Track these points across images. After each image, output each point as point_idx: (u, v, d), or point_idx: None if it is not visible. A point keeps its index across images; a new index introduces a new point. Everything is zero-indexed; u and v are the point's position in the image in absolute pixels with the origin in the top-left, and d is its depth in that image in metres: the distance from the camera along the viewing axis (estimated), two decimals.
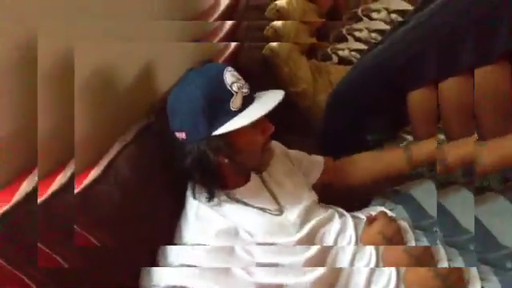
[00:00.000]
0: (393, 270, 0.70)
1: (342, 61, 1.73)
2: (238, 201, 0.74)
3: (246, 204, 0.74)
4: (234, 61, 1.39)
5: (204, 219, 0.71)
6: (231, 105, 0.68)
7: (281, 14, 1.33)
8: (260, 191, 0.78)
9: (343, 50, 1.77)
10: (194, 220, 0.71)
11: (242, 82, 0.71)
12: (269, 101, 0.70)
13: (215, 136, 0.68)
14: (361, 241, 0.76)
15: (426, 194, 0.87)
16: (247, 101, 0.70)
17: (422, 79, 0.99)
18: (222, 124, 0.68)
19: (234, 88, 0.69)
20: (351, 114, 1.20)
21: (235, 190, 0.75)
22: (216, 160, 0.69)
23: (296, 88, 1.52)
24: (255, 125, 0.69)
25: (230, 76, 0.69)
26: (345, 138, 1.22)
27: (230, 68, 0.71)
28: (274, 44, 1.47)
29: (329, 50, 1.82)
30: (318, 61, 1.77)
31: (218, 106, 0.68)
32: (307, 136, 1.41)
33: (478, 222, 0.73)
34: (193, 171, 0.71)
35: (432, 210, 0.83)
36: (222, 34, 1.24)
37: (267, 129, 0.72)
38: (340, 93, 1.26)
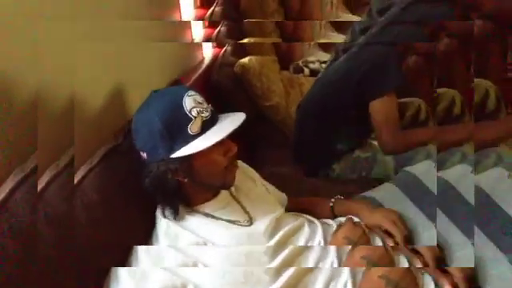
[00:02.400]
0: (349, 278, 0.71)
1: (313, 73, 1.79)
2: (206, 215, 0.76)
3: (214, 217, 0.76)
4: (207, 78, 1.43)
5: (172, 235, 0.72)
6: (189, 129, 0.69)
7: (244, 69, 1.50)
8: (229, 204, 0.80)
9: (314, 62, 1.84)
10: (163, 237, 0.72)
11: (204, 105, 0.72)
12: (229, 124, 0.71)
13: (174, 158, 0.69)
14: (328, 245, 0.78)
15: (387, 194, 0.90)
16: (207, 124, 0.71)
17: (374, 93, 1.09)
18: (180, 147, 0.69)
19: (193, 113, 0.69)
20: (319, 125, 1.24)
21: (203, 205, 0.77)
22: (175, 180, 0.71)
23: (269, 102, 1.56)
24: (216, 146, 0.69)
25: (189, 101, 0.70)
26: (315, 148, 1.26)
27: (191, 92, 0.72)
28: (245, 60, 1.51)
29: (300, 62, 1.89)
30: (290, 73, 1.83)
31: (176, 129, 0.69)
32: (283, 148, 1.44)
33: None
34: (154, 190, 0.72)
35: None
36: (200, 71, 1.38)
37: (229, 149, 0.73)
38: (306, 105, 1.31)
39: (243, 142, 1.43)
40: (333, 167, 1.25)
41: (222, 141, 0.70)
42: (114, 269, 0.67)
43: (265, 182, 0.94)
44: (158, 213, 0.75)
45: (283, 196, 0.97)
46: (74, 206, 0.63)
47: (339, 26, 1.94)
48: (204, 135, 0.70)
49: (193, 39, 1.49)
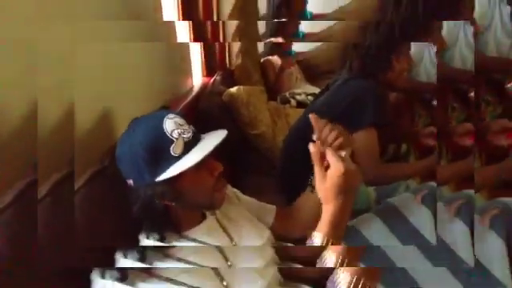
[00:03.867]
0: None
1: (300, 104, 1.85)
2: (194, 240, 0.76)
3: (198, 241, 0.75)
4: (195, 106, 1.46)
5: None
6: (172, 151, 0.69)
7: (232, 97, 1.58)
8: (214, 229, 0.80)
9: (300, 94, 1.90)
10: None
11: (185, 126, 0.72)
12: (210, 142, 0.71)
13: (160, 181, 0.69)
14: None
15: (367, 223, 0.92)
16: (190, 145, 0.71)
17: (354, 126, 1.12)
18: (165, 170, 0.69)
19: (175, 135, 0.70)
20: (304, 155, 1.26)
21: (190, 231, 0.77)
22: (162, 204, 0.71)
23: (256, 130, 1.60)
24: (201, 166, 0.70)
25: (170, 123, 0.71)
26: (300, 177, 1.28)
27: (171, 115, 0.72)
28: (234, 89, 1.56)
29: (287, 94, 1.95)
30: (278, 104, 1.88)
31: (159, 153, 0.69)
32: (269, 176, 1.46)
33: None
34: (142, 217, 0.72)
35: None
36: (188, 99, 1.43)
37: (215, 169, 0.74)
38: (293, 135, 1.34)
39: (229, 169, 1.45)
40: None
41: (206, 160, 0.70)
42: None
43: (245, 198, 0.95)
44: (142, 237, 0.75)
45: (270, 208, 0.97)
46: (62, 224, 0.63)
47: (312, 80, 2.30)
48: (187, 155, 0.70)
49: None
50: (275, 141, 1.59)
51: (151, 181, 0.70)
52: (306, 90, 1.94)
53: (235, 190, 0.95)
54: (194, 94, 1.49)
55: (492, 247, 0.73)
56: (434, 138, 1.30)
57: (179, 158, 0.70)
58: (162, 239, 0.72)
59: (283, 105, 1.90)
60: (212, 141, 0.72)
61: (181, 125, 0.72)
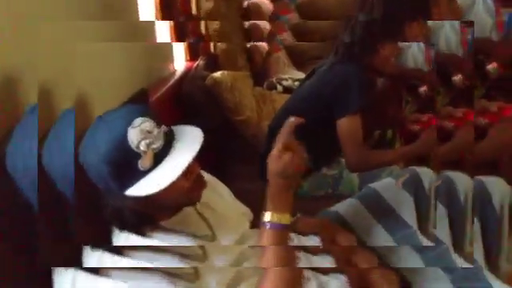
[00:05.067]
0: None
1: (286, 90, 1.82)
2: (169, 230, 0.72)
3: (177, 232, 0.72)
4: (177, 90, 1.42)
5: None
6: (140, 166, 0.62)
7: (216, 82, 1.51)
8: (192, 219, 0.76)
9: (287, 80, 1.87)
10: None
11: (154, 133, 0.63)
12: (185, 153, 0.64)
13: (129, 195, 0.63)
14: None
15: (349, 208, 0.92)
16: (161, 156, 0.63)
17: (339, 111, 1.12)
18: (132, 185, 0.63)
19: (142, 147, 0.62)
20: None
21: (166, 222, 0.73)
22: (134, 212, 0.66)
23: (241, 116, 1.57)
24: None
25: (135, 134, 0.61)
26: None
27: (137, 122, 0.62)
28: (217, 74, 1.52)
29: (274, 79, 1.92)
30: (264, 90, 1.85)
31: (125, 169, 0.62)
32: (253, 164, 1.44)
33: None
34: (112, 220, 0.68)
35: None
36: (171, 82, 1.35)
37: (191, 172, 0.66)
38: (278, 121, 1.31)
39: (213, 156, 1.43)
40: (301, 185, 1.25)
41: None
42: None
43: (231, 196, 0.92)
44: (115, 227, 0.71)
45: (248, 211, 0.96)
46: None
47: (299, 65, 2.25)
48: (157, 170, 0.63)
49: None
50: (260, 127, 1.56)
51: (120, 193, 0.63)
52: (292, 76, 1.91)
53: (219, 182, 0.91)
54: (176, 78, 1.45)
55: (405, 201, 0.84)
56: (420, 123, 1.30)
57: (148, 172, 0.63)
58: (137, 233, 0.68)
59: (269, 91, 1.87)
60: (187, 150, 0.64)
61: (149, 132, 0.63)
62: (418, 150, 1.12)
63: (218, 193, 0.88)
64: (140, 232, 0.67)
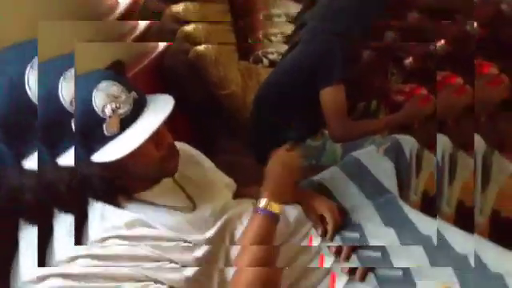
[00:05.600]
0: None
1: (272, 64, 1.79)
2: (145, 202, 0.71)
3: (154, 204, 0.71)
4: (159, 64, 1.39)
5: (110, 217, 0.66)
6: (105, 130, 0.60)
7: (200, 56, 1.43)
8: (171, 190, 0.76)
9: (273, 53, 1.84)
10: (100, 220, 0.66)
11: (121, 98, 0.61)
12: (153, 118, 0.62)
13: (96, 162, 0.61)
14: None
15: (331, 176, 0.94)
16: (127, 121, 0.61)
17: (323, 82, 1.11)
18: (98, 150, 0.60)
19: (107, 111, 0.59)
20: (273, 113, 1.24)
21: (143, 193, 0.72)
22: (104, 181, 0.63)
23: (226, 90, 1.54)
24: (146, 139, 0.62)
25: (100, 97, 0.59)
26: (269, 136, 1.26)
27: (102, 85, 0.60)
28: (201, 47, 1.49)
29: (259, 53, 1.88)
30: (249, 64, 1.82)
31: (90, 133, 0.60)
32: (238, 137, 1.43)
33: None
34: (86, 191, 0.65)
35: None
36: (153, 55, 1.26)
37: (162, 139, 0.66)
38: (262, 94, 1.30)
39: (197, 130, 1.41)
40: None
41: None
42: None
43: (213, 167, 0.92)
44: (91, 198, 0.70)
45: (231, 182, 0.96)
46: None
47: None
48: (123, 135, 0.61)
49: None
50: (246, 101, 1.54)
51: (87, 159, 0.61)
52: (278, 49, 1.88)
53: (198, 152, 0.90)
54: (157, 52, 1.41)
55: (385, 168, 0.89)
56: (403, 94, 1.31)
57: (113, 137, 0.61)
58: (111, 203, 0.67)
59: (255, 64, 1.84)
60: (155, 116, 0.62)
61: (116, 97, 0.60)
62: (402, 119, 1.14)
63: (198, 164, 0.87)
64: (114, 202, 0.66)
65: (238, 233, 0.76)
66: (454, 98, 1.13)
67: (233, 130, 1.48)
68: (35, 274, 0.58)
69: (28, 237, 0.63)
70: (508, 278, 0.57)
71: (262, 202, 0.72)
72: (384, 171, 0.88)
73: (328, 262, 0.75)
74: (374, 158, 0.91)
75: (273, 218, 0.71)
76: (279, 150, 0.82)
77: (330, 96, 1.11)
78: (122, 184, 0.68)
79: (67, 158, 0.59)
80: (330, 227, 0.79)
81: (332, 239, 0.79)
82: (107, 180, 0.63)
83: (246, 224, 0.76)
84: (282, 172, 0.76)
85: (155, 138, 0.64)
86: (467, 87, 1.14)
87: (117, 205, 0.67)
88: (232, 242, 0.75)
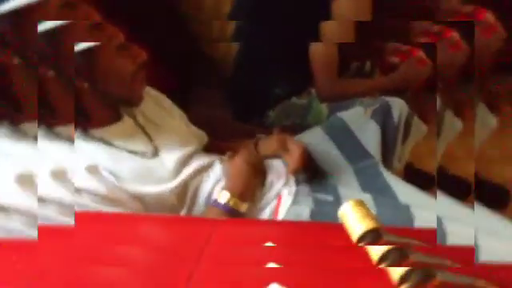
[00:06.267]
0: None
1: None
2: (103, 141, 0.65)
3: (110, 144, 0.66)
4: None
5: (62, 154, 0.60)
6: None
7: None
8: (131, 132, 0.70)
9: None
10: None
11: None
12: None
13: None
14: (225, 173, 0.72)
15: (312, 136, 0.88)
16: None
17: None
18: None
19: None
20: (259, 66, 1.15)
21: (101, 129, 0.66)
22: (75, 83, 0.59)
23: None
24: (121, 47, 0.62)
25: None
26: (253, 90, 1.18)
27: None
28: None
29: None
30: None
31: None
32: (218, 89, 1.34)
33: None
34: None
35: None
36: None
37: (137, 55, 0.65)
38: (247, 47, 1.20)
39: (175, 78, 1.31)
40: (268, 114, 1.18)
41: (129, 45, 0.62)
42: None
43: (182, 115, 0.85)
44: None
45: (202, 134, 0.89)
46: None
47: None
48: None
49: None
50: (230, 50, 1.43)
51: None
52: None
53: (167, 99, 0.83)
54: None
55: (371, 131, 0.84)
56: (399, 55, 1.22)
57: None
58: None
59: None
60: None
61: None
62: (396, 82, 1.06)
63: (165, 110, 0.80)
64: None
65: (203, 187, 0.70)
66: (450, 53, 1.06)
67: (212, 79, 1.38)
68: None
69: None
70: (413, 208, 0.65)
71: (224, 197, 0.68)
72: (369, 135, 0.82)
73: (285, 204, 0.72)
74: (359, 119, 0.85)
75: (234, 215, 0.67)
76: (248, 146, 0.78)
77: (321, 50, 1.02)
78: (84, 109, 0.63)
79: None
80: (292, 162, 0.75)
81: (293, 172, 0.75)
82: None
83: (212, 178, 0.71)
84: (249, 172, 0.71)
85: (131, 53, 0.64)
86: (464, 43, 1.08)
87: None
88: (195, 198, 0.70)
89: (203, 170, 0.73)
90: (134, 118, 0.72)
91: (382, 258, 0.32)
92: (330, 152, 0.81)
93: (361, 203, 0.37)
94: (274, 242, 0.37)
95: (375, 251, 0.33)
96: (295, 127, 1.13)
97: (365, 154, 0.79)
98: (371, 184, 0.73)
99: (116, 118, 0.69)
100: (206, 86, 1.34)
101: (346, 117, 0.87)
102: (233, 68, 1.25)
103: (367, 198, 0.68)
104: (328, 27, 1.02)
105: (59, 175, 0.57)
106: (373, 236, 0.33)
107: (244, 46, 1.21)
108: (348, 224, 0.36)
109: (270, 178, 0.75)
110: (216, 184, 0.72)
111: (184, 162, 0.71)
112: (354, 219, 0.35)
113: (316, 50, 1.04)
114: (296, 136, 0.92)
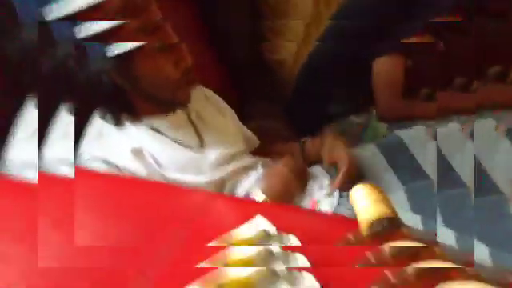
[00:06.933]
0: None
1: None
2: (152, 129, 0.67)
3: (160, 133, 0.68)
4: None
5: (108, 138, 0.64)
6: None
7: None
8: (183, 126, 0.71)
9: None
10: (96, 136, 0.63)
11: None
12: None
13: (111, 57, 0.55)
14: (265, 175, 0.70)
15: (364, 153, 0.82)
16: None
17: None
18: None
19: None
20: (319, 84, 1.14)
21: (151, 118, 0.68)
22: (111, 81, 0.58)
23: (278, 56, 1.45)
24: (166, 50, 0.59)
25: None
26: (311, 105, 1.16)
27: None
28: None
29: None
30: None
31: None
32: (276, 103, 1.34)
33: None
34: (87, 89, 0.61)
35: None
36: None
37: (182, 59, 0.61)
38: (311, 62, 1.19)
39: (235, 86, 1.34)
40: (323, 131, 1.15)
41: (172, 47, 0.59)
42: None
43: (235, 117, 0.86)
44: (97, 112, 0.67)
45: (254, 139, 0.89)
46: None
47: None
48: None
49: None
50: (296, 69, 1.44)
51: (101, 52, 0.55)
52: None
53: (221, 99, 0.85)
54: None
55: (431, 152, 0.74)
56: None
57: None
58: (117, 123, 0.64)
59: None
60: None
61: None
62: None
63: (219, 111, 0.82)
64: (117, 118, 0.63)
65: (240, 186, 0.69)
66: None
67: (273, 92, 1.38)
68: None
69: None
70: None
71: (259, 197, 0.65)
72: (427, 155, 0.74)
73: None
74: (419, 139, 0.77)
75: None
76: (294, 151, 0.76)
77: (386, 66, 0.97)
78: (129, 101, 0.64)
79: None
80: (340, 173, 0.71)
81: (339, 186, 0.70)
82: (117, 86, 0.60)
83: (252, 179, 0.70)
84: (290, 179, 0.68)
85: (176, 55, 0.61)
86: None
87: (119, 123, 0.64)
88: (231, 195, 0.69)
89: (245, 169, 0.73)
90: (188, 112, 0.74)
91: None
92: (381, 169, 0.75)
93: (376, 187, 0.32)
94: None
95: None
96: (349, 146, 1.08)
97: (420, 174, 0.71)
98: (423, 205, 0.65)
99: (168, 111, 0.70)
100: (266, 98, 1.35)
101: (405, 135, 0.80)
102: (295, 81, 1.25)
103: (417, 219, 0.61)
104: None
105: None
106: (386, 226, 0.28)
107: (309, 60, 1.21)
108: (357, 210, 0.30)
109: (311, 186, 0.71)
110: (254, 185, 0.71)
111: (227, 160, 0.71)
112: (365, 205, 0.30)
113: (380, 67, 0.99)
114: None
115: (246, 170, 0.73)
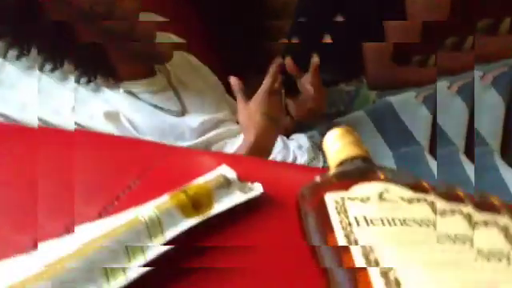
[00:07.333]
0: None
1: None
2: (130, 93, 0.65)
3: (139, 99, 0.65)
4: None
5: (83, 102, 0.61)
6: None
7: None
8: (162, 90, 0.69)
9: None
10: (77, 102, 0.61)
11: None
12: None
13: None
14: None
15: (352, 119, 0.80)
16: None
17: None
18: None
19: None
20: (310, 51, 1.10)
21: (130, 82, 0.66)
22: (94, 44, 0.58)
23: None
24: None
25: None
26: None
27: None
28: None
29: None
30: None
31: None
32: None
33: None
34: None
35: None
36: None
37: None
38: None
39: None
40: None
41: None
42: None
43: (219, 85, 0.82)
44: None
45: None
46: None
47: None
48: None
49: None
50: None
51: None
52: None
53: (206, 67, 0.82)
54: None
55: (420, 117, 0.71)
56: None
57: None
58: (88, 79, 0.61)
59: None
60: None
61: None
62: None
63: (202, 78, 0.79)
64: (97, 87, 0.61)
65: (226, 151, 0.67)
66: None
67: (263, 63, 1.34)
68: None
69: None
70: None
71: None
72: (418, 120, 0.72)
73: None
74: (409, 104, 0.75)
75: None
76: (262, 96, 0.64)
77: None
78: (110, 62, 0.63)
79: None
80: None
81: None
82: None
83: (236, 144, 0.67)
84: (266, 126, 0.63)
85: None
86: None
87: (90, 80, 0.61)
88: None
89: (229, 135, 0.70)
90: (168, 76, 0.71)
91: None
92: (372, 136, 0.74)
93: (350, 131, 0.29)
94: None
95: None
96: (339, 114, 1.06)
97: (410, 139, 0.70)
98: (412, 171, 0.64)
99: (148, 73, 0.69)
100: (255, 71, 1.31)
101: (395, 100, 0.78)
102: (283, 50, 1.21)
103: None
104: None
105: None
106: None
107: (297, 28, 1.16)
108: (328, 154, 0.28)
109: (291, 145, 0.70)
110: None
111: (210, 126, 0.69)
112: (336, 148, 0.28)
113: None
114: (336, 120, 0.86)
115: (232, 135, 0.70)
